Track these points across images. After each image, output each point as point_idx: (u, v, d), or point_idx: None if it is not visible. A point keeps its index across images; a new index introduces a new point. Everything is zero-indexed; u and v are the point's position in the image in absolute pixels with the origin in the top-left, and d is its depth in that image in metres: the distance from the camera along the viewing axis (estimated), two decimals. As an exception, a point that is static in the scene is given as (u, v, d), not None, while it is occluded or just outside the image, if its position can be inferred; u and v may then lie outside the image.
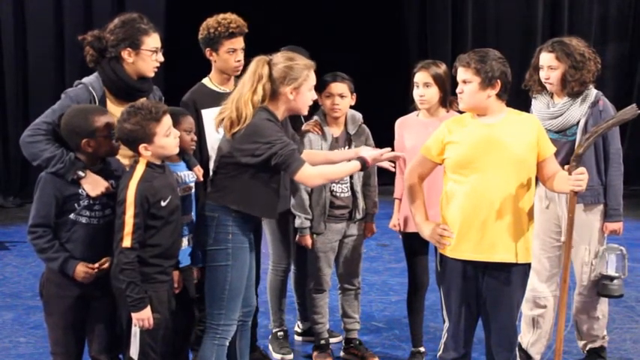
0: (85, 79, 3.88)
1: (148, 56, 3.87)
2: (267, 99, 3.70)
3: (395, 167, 4.17)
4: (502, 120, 3.69)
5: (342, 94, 4.53)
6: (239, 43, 4.29)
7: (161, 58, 3.94)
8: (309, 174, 3.66)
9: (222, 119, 3.72)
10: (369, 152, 3.87)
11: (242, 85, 3.72)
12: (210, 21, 4.31)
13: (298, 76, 3.70)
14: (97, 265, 3.54)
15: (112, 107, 3.82)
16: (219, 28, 4.26)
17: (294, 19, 9.41)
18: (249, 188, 3.67)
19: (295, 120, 4.68)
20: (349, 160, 3.90)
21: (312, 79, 3.77)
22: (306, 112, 3.88)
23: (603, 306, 4.58)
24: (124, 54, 3.85)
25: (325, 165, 3.81)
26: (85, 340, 3.70)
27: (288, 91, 3.69)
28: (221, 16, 4.31)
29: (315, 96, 3.85)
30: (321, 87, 4.53)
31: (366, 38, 10.08)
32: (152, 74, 3.93)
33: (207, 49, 4.33)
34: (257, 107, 3.66)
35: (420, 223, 3.79)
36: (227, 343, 3.81)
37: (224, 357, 3.84)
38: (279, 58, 3.73)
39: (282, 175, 3.79)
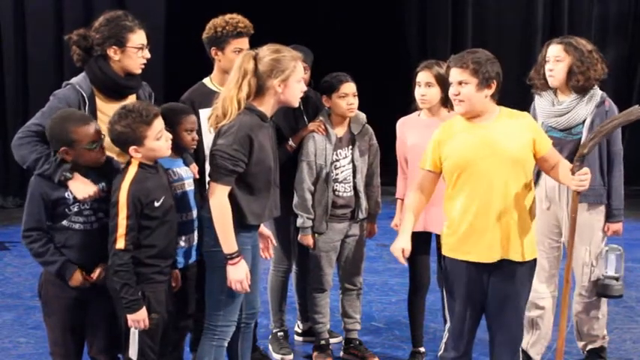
0: (72, 80, 3.86)
1: (134, 53, 3.85)
2: (254, 95, 3.65)
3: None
4: (495, 120, 3.68)
5: (355, 93, 4.56)
6: (245, 43, 4.28)
7: (147, 55, 3.92)
8: (218, 196, 3.56)
9: (210, 117, 3.71)
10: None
11: (228, 81, 3.70)
12: (218, 20, 4.29)
13: (286, 67, 3.64)
14: (94, 276, 3.54)
15: (101, 105, 3.81)
16: (227, 27, 4.24)
17: (293, 19, 9.41)
18: (235, 196, 3.63)
19: (298, 121, 4.69)
20: None
21: (299, 70, 3.70)
22: (296, 105, 3.83)
23: (603, 306, 4.58)
24: (110, 52, 3.83)
25: (229, 216, 3.59)
26: (84, 341, 3.70)
27: (276, 84, 3.64)
28: (228, 15, 4.30)
29: (304, 87, 3.81)
30: (332, 88, 4.54)
31: (366, 38, 10.09)
32: (139, 71, 3.91)
33: (213, 47, 4.31)
34: (244, 105, 3.62)
35: (400, 234, 3.75)
36: (225, 344, 3.80)
37: (222, 358, 3.83)
38: (265, 52, 3.67)
39: (270, 176, 3.74)
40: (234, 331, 3.83)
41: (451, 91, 3.70)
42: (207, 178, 3.83)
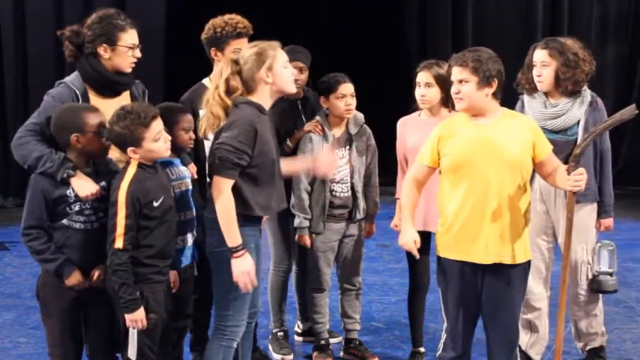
0: (65, 79, 3.88)
1: (124, 52, 3.85)
2: (247, 91, 3.68)
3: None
4: (496, 121, 3.68)
5: (352, 94, 4.55)
6: (244, 44, 4.26)
7: (138, 54, 3.92)
8: (222, 189, 3.57)
9: (204, 128, 3.72)
10: None
11: (214, 90, 3.73)
12: (217, 20, 4.29)
13: (267, 56, 3.68)
14: (93, 278, 3.54)
15: (95, 101, 3.81)
16: (226, 28, 4.24)
17: (293, 19, 9.42)
18: (240, 188, 3.64)
19: (297, 121, 4.69)
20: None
21: (281, 55, 3.73)
22: (293, 90, 3.83)
23: (599, 303, 4.60)
24: (100, 50, 3.83)
25: (233, 209, 3.59)
26: (82, 341, 3.69)
27: (264, 74, 3.67)
28: (227, 16, 4.29)
29: (294, 71, 3.84)
30: (330, 89, 4.53)
31: (366, 38, 10.09)
32: (129, 70, 3.91)
33: (213, 48, 4.30)
34: (227, 99, 3.64)
35: (404, 227, 3.79)
36: (235, 345, 3.79)
37: (231, 358, 3.82)
38: (244, 51, 3.74)
39: (274, 168, 3.75)
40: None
41: (452, 90, 3.71)
42: (209, 178, 3.82)
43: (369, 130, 4.72)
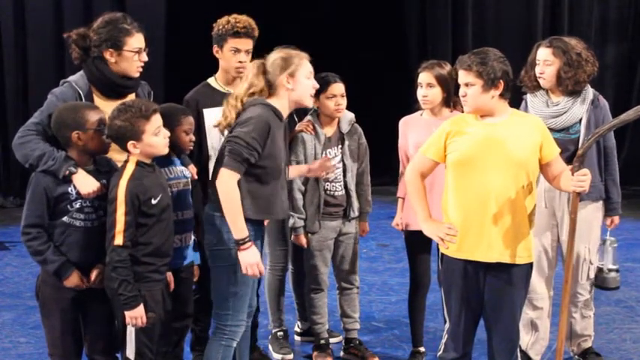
0: (70, 78, 3.88)
1: (130, 57, 3.86)
2: (267, 93, 3.71)
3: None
4: (505, 120, 3.68)
5: (343, 94, 4.56)
6: (244, 44, 4.29)
7: (145, 58, 3.92)
8: (227, 181, 3.56)
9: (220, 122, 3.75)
10: None
11: (238, 88, 3.78)
12: (223, 18, 4.33)
13: (291, 63, 3.72)
14: (92, 279, 3.54)
15: (99, 103, 3.81)
16: (226, 26, 4.28)
17: (293, 19, 9.42)
18: (240, 188, 3.63)
19: (289, 120, 4.68)
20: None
21: (306, 66, 3.77)
22: (310, 104, 3.88)
23: (592, 304, 4.61)
24: (107, 54, 3.84)
25: (238, 201, 3.58)
26: (82, 341, 3.69)
27: (285, 80, 3.70)
28: (234, 15, 4.33)
29: (316, 85, 3.86)
30: (320, 89, 4.53)
31: (366, 38, 10.09)
32: (137, 74, 3.92)
33: (215, 45, 4.34)
34: (245, 98, 3.68)
35: (422, 221, 3.75)
36: (234, 345, 3.79)
37: (230, 358, 3.82)
38: (272, 54, 3.77)
39: (280, 174, 3.75)
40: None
41: (460, 92, 3.72)
42: (211, 178, 3.81)
43: (360, 129, 4.73)
